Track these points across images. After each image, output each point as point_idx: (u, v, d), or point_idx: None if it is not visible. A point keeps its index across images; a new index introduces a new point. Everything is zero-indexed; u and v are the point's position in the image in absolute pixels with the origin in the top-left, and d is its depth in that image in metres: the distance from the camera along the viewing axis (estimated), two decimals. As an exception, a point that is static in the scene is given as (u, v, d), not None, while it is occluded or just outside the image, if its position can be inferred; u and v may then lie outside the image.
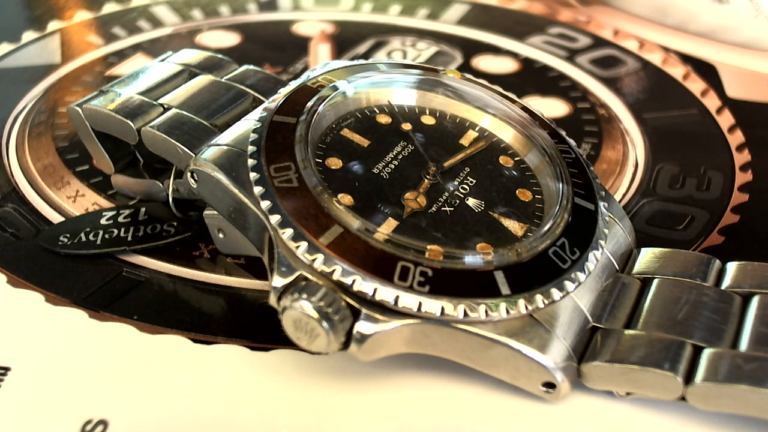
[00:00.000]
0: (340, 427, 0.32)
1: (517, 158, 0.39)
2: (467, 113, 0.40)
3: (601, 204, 0.36)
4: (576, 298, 0.32)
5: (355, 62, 0.42)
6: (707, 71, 0.57)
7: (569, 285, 0.32)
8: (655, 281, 0.34)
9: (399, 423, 0.32)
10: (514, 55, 0.59)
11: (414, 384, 0.33)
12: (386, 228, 0.33)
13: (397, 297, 0.30)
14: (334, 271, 0.30)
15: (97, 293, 0.37)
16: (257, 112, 0.36)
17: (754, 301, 0.33)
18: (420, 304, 0.30)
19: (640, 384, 0.31)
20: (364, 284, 0.30)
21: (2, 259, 0.39)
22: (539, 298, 0.31)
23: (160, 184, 0.41)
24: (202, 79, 0.42)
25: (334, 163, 0.35)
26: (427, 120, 0.39)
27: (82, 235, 0.40)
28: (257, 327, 0.36)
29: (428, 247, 0.31)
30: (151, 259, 0.40)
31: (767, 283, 0.33)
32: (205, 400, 0.33)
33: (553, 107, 0.53)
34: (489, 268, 0.31)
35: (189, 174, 0.35)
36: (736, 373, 0.29)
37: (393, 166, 0.36)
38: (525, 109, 0.40)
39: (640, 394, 0.32)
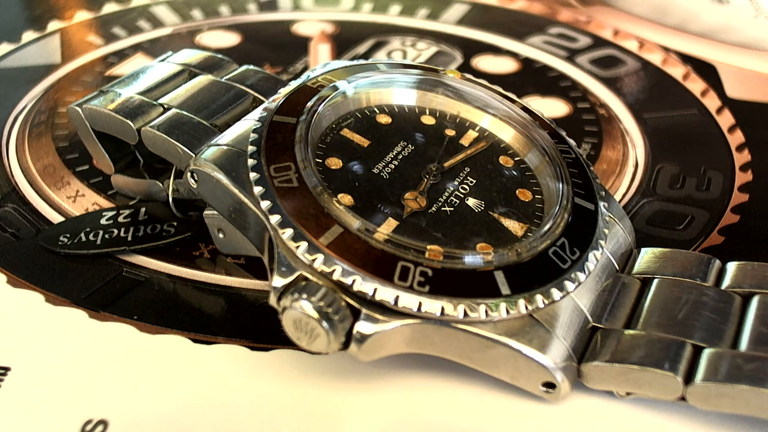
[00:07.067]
0: (340, 427, 0.32)
1: (517, 158, 0.39)
2: (467, 113, 0.40)
3: (601, 204, 0.36)
4: (576, 298, 0.32)
5: (355, 62, 0.42)
6: (707, 71, 0.57)
7: (569, 285, 0.32)
8: (655, 281, 0.34)
9: (399, 423, 0.32)
10: (514, 55, 0.59)
11: (414, 384, 0.33)
12: (386, 228, 0.33)
13: (397, 297, 0.30)
14: (334, 271, 0.30)
15: (97, 293, 0.37)
16: (257, 112, 0.36)
17: (754, 301, 0.33)
18: (420, 304, 0.30)
19: (640, 384, 0.31)
20: (364, 284, 0.30)
21: (2, 259, 0.39)
22: (539, 298, 0.31)
23: (160, 184, 0.41)
24: (202, 79, 0.42)
25: (334, 163, 0.35)
26: (427, 120, 0.39)
27: (82, 235, 0.40)
28: (257, 327, 0.36)
29: (428, 247, 0.31)
30: (151, 259, 0.40)
31: (767, 283, 0.33)
32: (205, 400, 0.33)
33: (553, 107, 0.53)
34: (489, 268, 0.31)
35: (189, 174, 0.35)
36: (736, 373, 0.29)
37: (393, 166, 0.36)
38: (525, 109, 0.40)
39: (640, 394, 0.32)
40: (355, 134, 0.37)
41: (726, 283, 0.34)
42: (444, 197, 0.35)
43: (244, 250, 0.37)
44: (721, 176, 0.47)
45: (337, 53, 0.59)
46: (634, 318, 0.33)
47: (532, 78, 0.56)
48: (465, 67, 0.57)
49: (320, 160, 0.35)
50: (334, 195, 0.32)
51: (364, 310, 0.30)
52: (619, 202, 0.44)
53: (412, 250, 0.31)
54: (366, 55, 0.58)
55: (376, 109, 0.39)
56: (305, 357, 0.34)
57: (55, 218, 0.42)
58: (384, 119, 0.39)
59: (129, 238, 0.40)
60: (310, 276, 0.30)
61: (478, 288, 0.31)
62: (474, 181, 0.36)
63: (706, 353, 0.30)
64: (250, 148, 0.34)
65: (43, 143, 0.48)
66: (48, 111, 0.51)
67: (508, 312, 0.30)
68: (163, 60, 0.44)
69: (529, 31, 0.63)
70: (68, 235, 0.40)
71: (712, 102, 0.54)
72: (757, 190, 0.45)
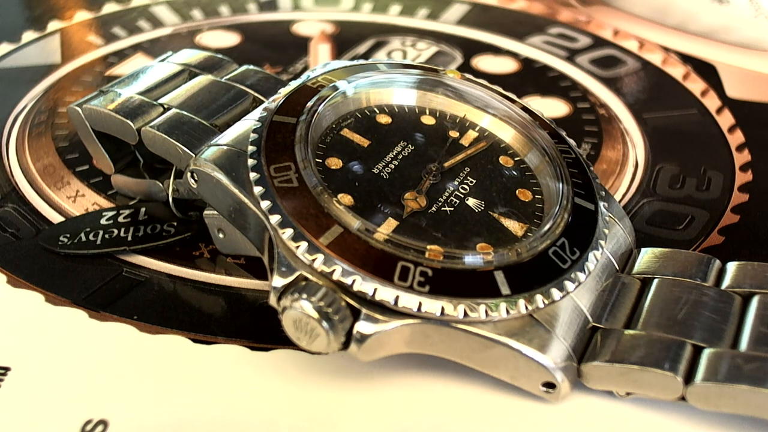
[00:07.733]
0: (339, 427, 0.32)
1: (517, 158, 0.39)
2: (467, 113, 0.40)
3: (601, 204, 0.36)
4: (576, 298, 0.32)
5: (355, 62, 0.42)
6: (707, 71, 0.57)
7: (569, 285, 0.32)
8: (655, 281, 0.34)
9: (399, 423, 0.32)
10: (514, 55, 0.59)
11: (414, 384, 0.33)
12: (386, 228, 0.33)
13: (397, 297, 0.30)
14: (334, 271, 0.30)
15: (97, 293, 0.37)
16: (257, 112, 0.37)
17: (754, 301, 0.33)
18: (420, 304, 0.30)
19: (640, 384, 0.31)
20: (364, 284, 0.30)
21: (2, 259, 0.39)
22: (539, 298, 0.31)
23: (160, 184, 0.41)
24: (202, 79, 0.42)
25: (334, 163, 0.35)
26: (427, 120, 0.39)
27: (82, 235, 0.40)
28: (257, 327, 0.36)
29: (428, 247, 0.31)
30: (151, 259, 0.40)
31: (767, 283, 0.33)
32: (204, 400, 0.33)
33: (553, 107, 0.53)
34: (489, 268, 0.31)
35: (189, 174, 0.35)
36: (736, 373, 0.29)
37: (393, 166, 0.36)
38: (525, 109, 0.40)
39: (640, 394, 0.32)
40: (355, 134, 0.37)
41: (726, 283, 0.34)
42: (444, 197, 0.35)
43: (244, 250, 0.37)
44: (721, 176, 0.47)
45: (337, 53, 0.59)
46: (634, 318, 0.33)
47: (532, 78, 0.56)
48: (465, 67, 0.57)
49: (320, 160, 0.35)
50: (334, 195, 0.32)
51: (364, 310, 0.30)
52: (619, 202, 0.44)
53: (412, 250, 0.31)
54: (366, 55, 0.58)
55: (376, 109, 0.39)
56: (305, 357, 0.34)
57: (55, 218, 0.42)
58: (384, 119, 0.39)
59: (129, 238, 0.40)
60: (310, 276, 0.30)
61: (478, 288, 0.31)
62: (474, 181, 0.36)
63: (706, 353, 0.30)
64: (250, 148, 0.34)
65: (43, 143, 0.48)
66: (48, 111, 0.51)
67: (508, 312, 0.30)
68: (163, 60, 0.44)
69: (529, 31, 0.63)
70: (68, 235, 0.40)
71: (712, 102, 0.54)
72: (757, 190, 0.45)
